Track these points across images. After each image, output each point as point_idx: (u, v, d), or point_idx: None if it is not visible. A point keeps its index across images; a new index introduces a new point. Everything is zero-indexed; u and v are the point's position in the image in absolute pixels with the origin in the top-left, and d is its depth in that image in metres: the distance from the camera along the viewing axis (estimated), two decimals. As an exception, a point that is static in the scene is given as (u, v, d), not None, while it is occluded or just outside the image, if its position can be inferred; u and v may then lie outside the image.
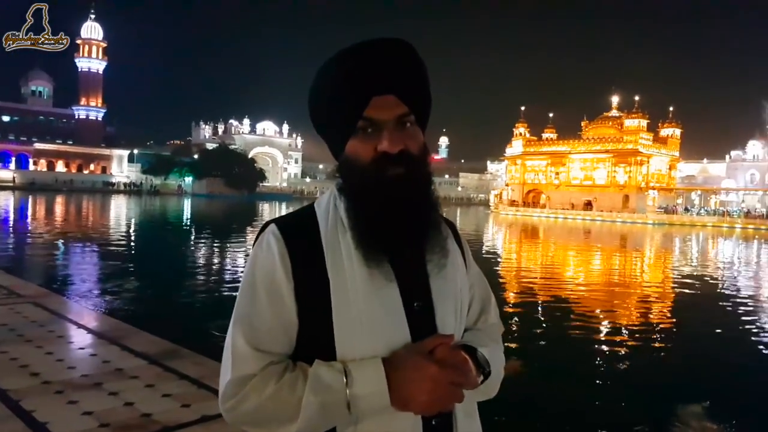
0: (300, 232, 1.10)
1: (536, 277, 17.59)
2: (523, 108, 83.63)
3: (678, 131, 77.40)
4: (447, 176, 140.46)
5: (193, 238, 27.34)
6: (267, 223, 1.13)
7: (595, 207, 67.40)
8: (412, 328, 1.07)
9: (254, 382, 1.02)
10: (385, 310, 1.06)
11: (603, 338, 9.81)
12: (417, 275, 1.11)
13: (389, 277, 1.07)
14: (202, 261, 18.16)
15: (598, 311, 12.25)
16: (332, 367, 1.02)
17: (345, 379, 0.99)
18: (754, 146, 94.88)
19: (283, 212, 1.26)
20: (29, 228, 27.69)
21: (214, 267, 16.13)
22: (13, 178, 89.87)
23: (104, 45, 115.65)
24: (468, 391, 1.08)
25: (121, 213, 44.31)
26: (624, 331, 10.31)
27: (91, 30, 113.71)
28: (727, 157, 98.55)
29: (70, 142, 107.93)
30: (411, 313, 1.08)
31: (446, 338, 1.08)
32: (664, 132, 76.19)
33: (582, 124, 77.86)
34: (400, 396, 1.00)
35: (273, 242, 1.09)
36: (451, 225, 1.25)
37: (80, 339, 5.61)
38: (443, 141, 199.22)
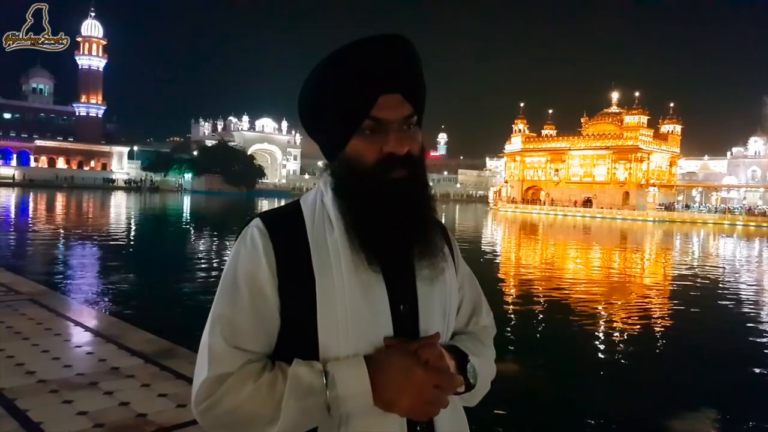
0: (285, 228, 1.07)
1: (535, 274, 17.56)
2: (522, 104, 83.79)
3: (678, 127, 77.45)
4: (446, 173, 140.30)
5: (191, 235, 27.33)
6: (251, 218, 1.09)
7: (595, 204, 67.37)
8: (397, 331, 1.04)
9: (231, 381, 0.97)
10: (371, 310, 1.02)
11: (603, 335, 9.79)
12: (405, 277, 1.08)
13: (378, 278, 1.04)
14: (200, 258, 18.13)
15: (598, 308, 12.21)
16: (312, 367, 0.98)
17: (325, 380, 0.97)
18: (755, 143, 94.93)
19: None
20: (29, 225, 27.66)
21: (212, 264, 16.09)
22: (14, 175, 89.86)
23: (104, 43, 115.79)
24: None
25: (120, 210, 44.28)
26: (624, 329, 10.28)
27: (91, 28, 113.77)
28: (728, 153, 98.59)
29: (71, 139, 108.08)
30: (397, 315, 1.05)
31: (432, 339, 1.05)
32: (665, 128, 76.22)
33: (582, 121, 77.89)
34: (384, 397, 0.98)
35: (258, 237, 1.05)
36: (439, 224, 1.20)
37: (77, 337, 5.57)
38: (442, 137, 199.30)
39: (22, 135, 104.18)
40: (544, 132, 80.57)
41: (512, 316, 10.79)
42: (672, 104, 79.88)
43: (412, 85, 1.05)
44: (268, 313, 1.03)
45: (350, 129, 1.04)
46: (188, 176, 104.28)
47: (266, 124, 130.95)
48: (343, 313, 1.01)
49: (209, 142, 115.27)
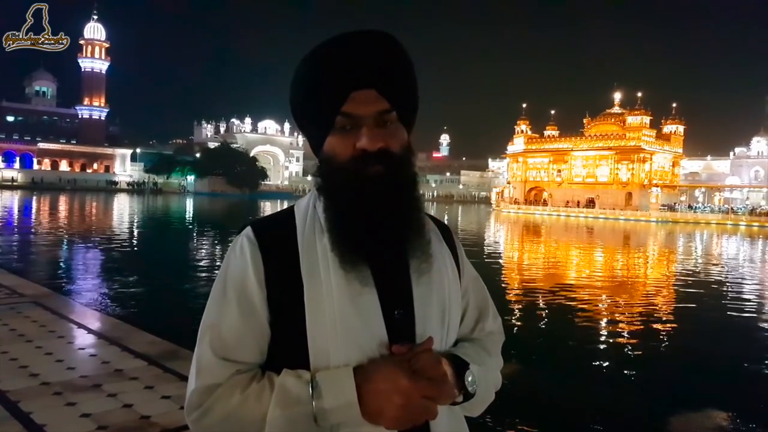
0: (276, 236, 1.05)
1: (538, 276, 17.54)
2: (524, 105, 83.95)
3: (681, 128, 77.35)
4: (448, 174, 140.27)
5: (194, 237, 27.34)
6: (243, 225, 1.08)
7: (597, 205, 67.28)
8: (392, 337, 1.00)
9: (219, 392, 0.97)
10: (362, 316, 0.99)
11: (605, 335, 9.77)
12: (399, 281, 1.04)
13: (367, 282, 1.00)
14: (203, 260, 18.14)
15: (601, 310, 12.19)
16: (300, 377, 0.96)
17: (311, 391, 0.94)
18: (758, 143, 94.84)
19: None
20: (33, 227, 27.70)
21: (215, 265, 16.10)
22: (18, 177, 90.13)
23: (107, 45, 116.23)
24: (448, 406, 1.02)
25: (123, 212, 44.32)
26: (626, 329, 10.26)
27: (94, 30, 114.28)
28: (731, 153, 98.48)
29: (74, 142, 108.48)
30: (391, 320, 1.01)
31: (425, 345, 1.01)
32: (667, 129, 76.14)
33: (584, 121, 77.79)
34: (371, 409, 0.94)
35: (247, 247, 1.03)
36: (444, 227, 1.19)
37: (80, 339, 5.59)
38: (444, 139, 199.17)
39: (26, 137, 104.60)
40: (546, 133, 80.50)
41: (515, 315, 10.76)
42: (674, 104, 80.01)
43: (388, 80, 1.01)
44: (257, 324, 1.01)
45: (325, 126, 1.02)
46: (191, 178, 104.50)
47: (269, 125, 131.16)
48: (332, 321, 0.98)
49: (212, 144, 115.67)
